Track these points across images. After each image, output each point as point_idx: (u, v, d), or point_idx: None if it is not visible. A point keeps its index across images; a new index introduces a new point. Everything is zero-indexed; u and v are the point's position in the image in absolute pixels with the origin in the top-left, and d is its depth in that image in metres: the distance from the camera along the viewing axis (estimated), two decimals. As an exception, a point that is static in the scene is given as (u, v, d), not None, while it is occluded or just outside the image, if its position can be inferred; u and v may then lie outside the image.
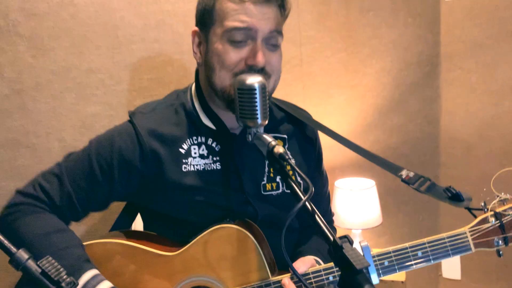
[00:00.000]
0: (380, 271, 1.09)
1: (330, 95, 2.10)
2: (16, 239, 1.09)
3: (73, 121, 1.71)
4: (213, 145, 1.18)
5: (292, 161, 0.86)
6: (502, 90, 2.12)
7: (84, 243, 1.13)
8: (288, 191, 1.22)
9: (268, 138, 0.93)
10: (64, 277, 0.79)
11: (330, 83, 2.09)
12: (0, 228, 1.12)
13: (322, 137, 1.36)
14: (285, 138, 1.27)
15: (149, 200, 1.19)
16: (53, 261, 0.80)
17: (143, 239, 1.17)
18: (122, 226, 1.34)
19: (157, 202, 1.18)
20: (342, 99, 2.12)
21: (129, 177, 1.14)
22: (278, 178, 1.23)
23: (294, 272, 0.86)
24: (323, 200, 1.37)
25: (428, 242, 1.11)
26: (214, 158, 1.17)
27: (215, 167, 1.17)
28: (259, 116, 0.96)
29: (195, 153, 1.16)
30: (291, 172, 1.26)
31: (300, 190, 0.84)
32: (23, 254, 0.79)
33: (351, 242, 0.71)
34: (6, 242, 0.79)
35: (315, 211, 0.80)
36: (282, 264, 1.14)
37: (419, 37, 2.16)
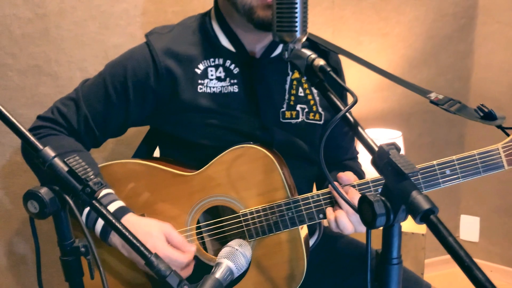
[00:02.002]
0: None
1: (360, 42, 2.02)
2: (31, 160, 1.10)
3: (96, 51, 1.66)
4: (232, 67, 1.14)
5: (333, 74, 0.81)
6: (541, 46, 2.02)
7: (105, 163, 1.12)
8: (310, 120, 1.19)
9: (307, 51, 0.88)
10: (92, 176, 0.75)
11: (361, 30, 2.00)
12: (22, 152, 1.15)
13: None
14: None
15: (164, 123, 1.16)
16: (80, 160, 0.77)
17: (162, 161, 1.16)
18: (140, 155, 1.32)
19: (172, 125, 1.15)
20: (372, 47, 2.04)
21: (144, 98, 1.12)
22: (298, 107, 1.18)
23: (334, 188, 0.82)
24: (347, 136, 1.32)
25: (457, 160, 1.04)
26: (232, 81, 1.13)
27: (232, 90, 1.13)
28: (298, 28, 0.90)
29: (211, 75, 1.13)
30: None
31: (340, 102, 0.79)
32: (49, 151, 0.76)
33: (398, 149, 0.67)
34: (32, 138, 0.76)
35: (357, 122, 0.75)
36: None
37: (458, -14, 2.06)
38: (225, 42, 1.14)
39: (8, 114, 0.77)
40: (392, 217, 0.65)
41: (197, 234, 1.12)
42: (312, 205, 1.05)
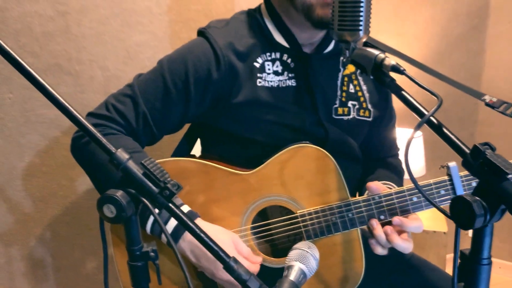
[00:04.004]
0: (467, 192, 1.05)
1: (377, 41, 2.02)
2: (91, 161, 1.05)
3: (117, 50, 1.63)
4: (288, 61, 1.13)
5: (407, 73, 0.80)
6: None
7: (157, 161, 1.09)
8: (360, 117, 1.19)
9: (374, 50, 0.87)
10: (168, 179, 0.73)
11: (378, 29, 2.01)
12: (74, 149, 1.09)
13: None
14: None
15: (218, 118, 1.14)
16: (156, 161, 0.74)
17: (212, 159, 1.13)
18: (181, 152, 1.29)
19: (226, 120, 1.13)
20: (388, 46, 2.05)
21: (204, 93, 1.09)
22: (349, 103, 1.18)
23: (415, 184, 0.81)
24: (390, 134, 1.33)
25: None
26: (290, 75, 1.12)
27: (289, 84, 1.12)
28: (362, 28, 0.89)
29: (269, 69, 1.11)
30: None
31: (419, 104, 0.78)
32: (123, 154, 0.73)
33: (493, 149, 0.66)
34: (105, 140, 0.74)
35: (441, 123, 0.75)
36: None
37: (471, -14, 2.08)
38: (279, 38, 1.13)
39: (78, 115, 0.74)
40: (488, 217, 0.65)
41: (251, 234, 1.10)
42: (373, 206, 1.04)
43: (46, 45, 1.54)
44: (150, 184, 0.73)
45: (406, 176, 1.84)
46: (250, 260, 1.01)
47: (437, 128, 0.74)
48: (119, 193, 0.72)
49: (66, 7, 1.54)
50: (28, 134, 1.59)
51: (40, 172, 1.63)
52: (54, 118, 1.60)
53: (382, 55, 0.85)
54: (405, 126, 2.01)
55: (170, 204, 0.73)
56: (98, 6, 1.57)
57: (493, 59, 2.20)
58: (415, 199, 1.05)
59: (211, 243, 0.73)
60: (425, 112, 0.76)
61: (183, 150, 1.28)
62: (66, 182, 1.67)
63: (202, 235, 0.73)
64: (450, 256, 2.31)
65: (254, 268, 1.01)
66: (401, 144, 1.80)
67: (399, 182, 1.25)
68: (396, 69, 0.81)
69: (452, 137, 0.72)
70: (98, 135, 0.74)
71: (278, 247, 1.13)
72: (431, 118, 0.75)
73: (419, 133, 1.89)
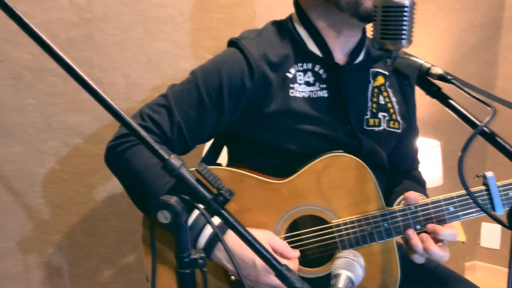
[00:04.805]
0: (504, 202, 1.05)
1: (393, 51, 2.04)
2: (127, 169, 1.05)
3: (140, 57, 1.63)
4: (320, 72, 1.13)
5: (456, 82, 0.80)
6: None
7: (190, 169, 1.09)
8: (390, 128, 1.19)
9: (418, 59, 0.87)
10: (222, 185, 0.73)
11: (394, 39, 2.02)
12: (109, 158, 1.09)
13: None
14: (385, 74, 1.22)
15: (249, 128, 1.14)
16: (209, 168, 0.74)
17: (244, 168, 1.13)
18: (208, 162, 1.29)
19: (257, 129, 1.13)
20: (404, 56, 2.06)
21: (237, 103, 1.09)
22: (380, 115, 1.19)
23: (468, 191, 0.81)
24: (414, 146, 1.33)
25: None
26: (321, 86, 1.13)
27: (321, 95, 1.12)
28: (405, 37, 0.89)
29: (300, 79, 1.12)
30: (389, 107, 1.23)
31: (470, 113, 0.79)
32: (176, 160, 0.73)
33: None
34: (157, 146, 0.73)
35: (494, 132, 0.75)
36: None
37: (485, -2, 2.11)
38: (312, 47, 1.14)
39: (132, 122, 0.74)
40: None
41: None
42: (409, 216, 1.04)
43: (69, 52, 1.54)
44: (203, 190, 0.72)
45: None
46: (287, 254, 1.02)
47: (491, 138, 0.74)
48: (173, 199, 0.71)
49: (90, 14, 1.54)
50: (48, 140, 1.58)
51: (60, 178, 1.62)
52: (75, 125, 1.60)
53: (427, 64, 0.86)
54: (424, 136, 2.02)
55: (223, 211, 0.72)
56: (122, 14, 1.57)
57: (506, 70, 2.22)
58: (451, 209, 1.05)
59: (263, 251, 0.73)
60: (478, 123, 0.76)
61: (210, 158, 1.28)
62: (84, 189, 1.66)
63: (255, 243, 0.73)
64: (468, 265, 2.31)
65: (295, 264, 1.02)
66: (421, 153, 1.80)
67: (425, 194, 1.26)
68: (444, 77, 0.82)
69: (507, 146, 0.72)
70: (151, 141, 0.73)
71: (308, 257, 1.12)
72: (485, 129, 0.75)
73: (436, 142, 1.90)
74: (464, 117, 0.79)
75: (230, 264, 0.99)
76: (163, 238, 1.05)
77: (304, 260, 1.09)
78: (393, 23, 0.89)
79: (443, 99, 0.82)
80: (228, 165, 1.24)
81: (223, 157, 1.34)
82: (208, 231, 0.99)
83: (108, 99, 0.75)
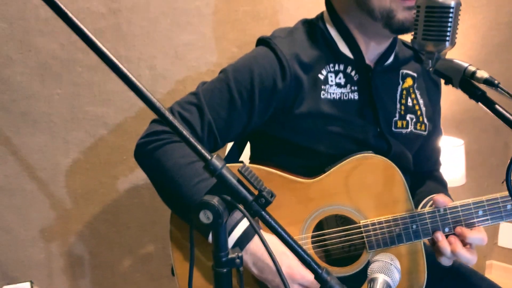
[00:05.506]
0: None
1: (418, 48, 2.01)
2: (158, 167, 1.05)
3: (166, 49, 1.62)
4: (352, 73, 1.12)
5: (502, 88, 0.79)
6: None
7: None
8: (417, 131, 1.19)
9: (462, 63, 0.86)
10: (263, 186, 0.72)
11: (420, 36, 1.99)
12: (140, 155, 1.09)
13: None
14: (414, 76, 1.22)
15: (278, 127, 1.13)
16: (250, 168, 0.73)
17: (272, 167, 1.12)
18: (232, 159, 1.29)
19: (286, 129, 1.12)
20: (429, 53, 2.04)
21: (268, 103, 1.09)
22: (408, 117, 1.18)
23: None
24: (436, 148, 1.34)
25: None
26: (353, 88, 1.12)
27: (352, 97, 1.12)
28: (449, 38, 0.87)
29: (331, 81, 1.11)
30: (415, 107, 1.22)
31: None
32: (218, 161, 0.72)
33: None
34: (200, 146, 0.73)
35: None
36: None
37: (514, -4, 2.07)
38: (343, 48, 1.12)
39: (175, 121, 0.73)
40: None
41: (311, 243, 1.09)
42: (438, 218, 1.04)
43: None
44: (245, 192, 0.72)
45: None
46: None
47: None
48: (215, 200, 0.71)
49: (118, 5, 1.53)
50: (74, 130, 1.59)
51: (84, 169, 1.63)
52: (101, 116, 1.60)
53: (472, 67, 0.84)
54: (448, 134, 2.00)
55: (264, 213, 0.72)
56: (149, 5, 1.57)
57: (531, 69, 2.18)
58: (480, 213, 1.04)
59: (303, 254, 0.73)
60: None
61: (234, 155, 1.29)
62: (107, 180, 1.66)
63: (296, 246, 0.72)
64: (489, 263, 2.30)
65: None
66: (444, 152, 1.78)
67: (448, 195, 1.25)
68: (490, 82, 0.80)
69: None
70: (194, 141, 0.73)
71: (332, 256, 1.12)
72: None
73: (460, 141, 1.88)
74: (507, 121, 0.77)
75: (255, 268, 0.99)
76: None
77: (329, 259, 1.09)
78: (437, 24, 0.88)
79: (489, 104, 0.80)
80: (253, 162, 1.24)
81: (244, 154, 1.33)
82: (237, 232, 0.99)
83: (154, 100, 0.74)
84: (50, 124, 1.55)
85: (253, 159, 1.28)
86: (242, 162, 1.31)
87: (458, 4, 0.87)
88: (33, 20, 1.46)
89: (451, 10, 0.86)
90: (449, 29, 0.87)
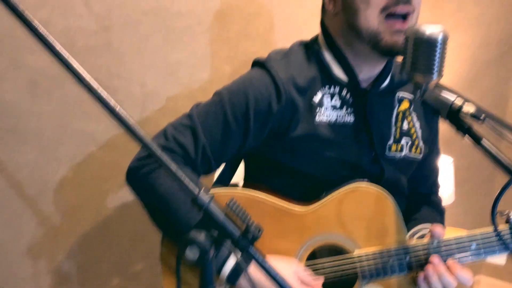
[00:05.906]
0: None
1: (409, 66, 2.03)
2: (151, 192, 1.04)
3: (157, 66, 1.62)
4: (347, 96, 1.12)
5: (490, 121, 0.79)
6: None
7: (213, 191, 1.08)
8: (411, 154, 1.19)
9: (450, 96, 0.87)
10: (251, 221, 0.72)
11: (411, 53, 2.01)
12: (131, 180, 1.08)
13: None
14: (410, 99, 1.21)
15: (272, 150, 1.13)
16: (238, 203, 0.73)
17: (262, 189, 1.12)
18: (224, 179, 1.29)
19: (280, 152, 1.12)
20: (419, 71, 2.06)
21: (263, 127, 1.09)
22: (403, 140, 1.18)
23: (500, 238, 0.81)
24: (434, 172, 1.33)
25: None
26: (348, 110, 1.12)
27: (348, 120, 1.12)
28: (436, 71, 0.88)
29: (327, 103, 1.11)
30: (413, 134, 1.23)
31: (505, 155, 0.78)
32: (205, 196, 0.72)
33: None
34: (187, 180, 0.72)
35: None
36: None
37: (504, 15, 2.09)
38: (337, 71, 1.12)
39: (167, 159, 0.73)
40: None
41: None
42: (431, 251, 1.04)
43: (87, 59, 1.53)
44: (232, 228, 0.72)
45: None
46: (312, 284, 1.03)
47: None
48: (202, 236, 0.71)
49: (109, 22, 1.53)
50: (63, 146, 1.58)
51: (72, 185, 1.62)
52: (90, 132, 1.59)
53: (459, 102, 0.85)
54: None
55: (251, 250, 0.72)
56: (141, 22, 1.56)
57: (520, 87, 2.21)
58: (474, 246, 1.05)
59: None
60: None
61: (226, 176, 1.28)
62: (97, 197, 1.66)
63: (283, 284, 0.72)
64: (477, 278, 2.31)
65: None
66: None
67: (443, 223, 1.26)
68: (476, 117, 0.81)
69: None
70: (181, 173, 0.73)
71: (325, 286, 1.12)
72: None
73: (449, 159, 1.89)
74: (498, 161, 0.77)
75: None
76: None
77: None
78: (425, 57, 0.88)
79: (475, 139, 0.81)
80: (246, 184, 1.24)
81: (238, 174, 1.33)
82: (232, 261, 0.99)
83: (134, 126, 0.73)
84: (39, 140, 1.54)
85: (247, 180, 1.28)
86: (237, 185, 1.31)
87: (445, 38, 0.88)
88: (21, 38, 1.45)
89: (438, 45, 0.87)
90: (436, 62, 0.88)
